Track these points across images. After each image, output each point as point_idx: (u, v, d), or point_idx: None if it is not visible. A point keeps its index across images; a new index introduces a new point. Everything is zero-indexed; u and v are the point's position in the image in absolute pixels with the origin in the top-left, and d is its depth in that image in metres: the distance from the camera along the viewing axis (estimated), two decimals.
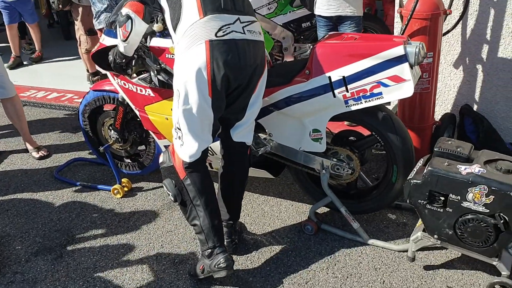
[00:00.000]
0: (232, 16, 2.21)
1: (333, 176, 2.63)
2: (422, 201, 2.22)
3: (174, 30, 2.28)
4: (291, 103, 2.47)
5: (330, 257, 2.52)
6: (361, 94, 2.32)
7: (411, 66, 2.25)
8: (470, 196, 2.10)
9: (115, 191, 3.21)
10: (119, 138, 3.17)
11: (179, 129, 2.32)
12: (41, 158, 3.84)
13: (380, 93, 2.29)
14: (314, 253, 2.56)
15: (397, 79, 2.25)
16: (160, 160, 2.52)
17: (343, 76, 2.31)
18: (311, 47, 4.51)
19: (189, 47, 2.21)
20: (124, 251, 2.70)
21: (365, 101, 2.33)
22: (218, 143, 2.59)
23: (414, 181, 2.23)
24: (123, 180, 3.27)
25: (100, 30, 4.55)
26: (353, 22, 3.61)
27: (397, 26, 3.39)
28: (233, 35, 2.18)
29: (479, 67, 3.22)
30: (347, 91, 2.33)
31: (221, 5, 2.21)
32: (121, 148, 3.29)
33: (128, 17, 2.29)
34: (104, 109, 3.34)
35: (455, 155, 2.24)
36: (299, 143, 2.57)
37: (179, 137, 2.35)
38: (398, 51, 2.22)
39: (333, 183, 2.74)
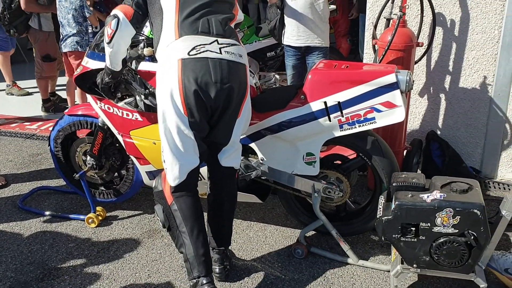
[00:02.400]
0: (209, 38, 2.24)
1: (323, 199, 2.68)
2: (396, 235, 2.28)
3: (155, 52, 2.32)
4: (285, 127, 2.51)
5: (324, 280, 2.54)
6: (355, 119, 2.41)
7: (402, 93, 2.38)
8: (438, 220, 2.20)
9: (90, 220, 3.05)
10: (96, 164, 3.04)
11: (163, 152, 2.31)
12: None
13: (373, 118, 2.40)
14: (307, 276, 2.57)
15: (389, 105, 2.37)
16: (153, 184, 2.48)
17: (339, 102, 2.40)
18: (275, 75, 4.68)
19: (164, 68, 2.23)
20: (109, 282, 2.57)
21: (359, 126, 2.42)
22: (205, 168, 2.57)
23: (385, 217, 2.27)
24: (97, 208, 3.12)
25: (65, 53, 4.42)
26: (320, 53, 3.77)
27: (367, 57, 3.58)
28: (206, 54, 2.20)
29: (442, 96, 3.46)
30: (342, 116, 2.41)
31: (198, 29, 2.25)
32: (96, 175, 3.14)
33: (115, 16, 2.29)
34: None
35: (413, 186, 2.33)
36: (292, 166, 2.60)
37: (164, 161, 2.33)
38: (390, 78, 2.35)
39: (321, 206, 2.78)
